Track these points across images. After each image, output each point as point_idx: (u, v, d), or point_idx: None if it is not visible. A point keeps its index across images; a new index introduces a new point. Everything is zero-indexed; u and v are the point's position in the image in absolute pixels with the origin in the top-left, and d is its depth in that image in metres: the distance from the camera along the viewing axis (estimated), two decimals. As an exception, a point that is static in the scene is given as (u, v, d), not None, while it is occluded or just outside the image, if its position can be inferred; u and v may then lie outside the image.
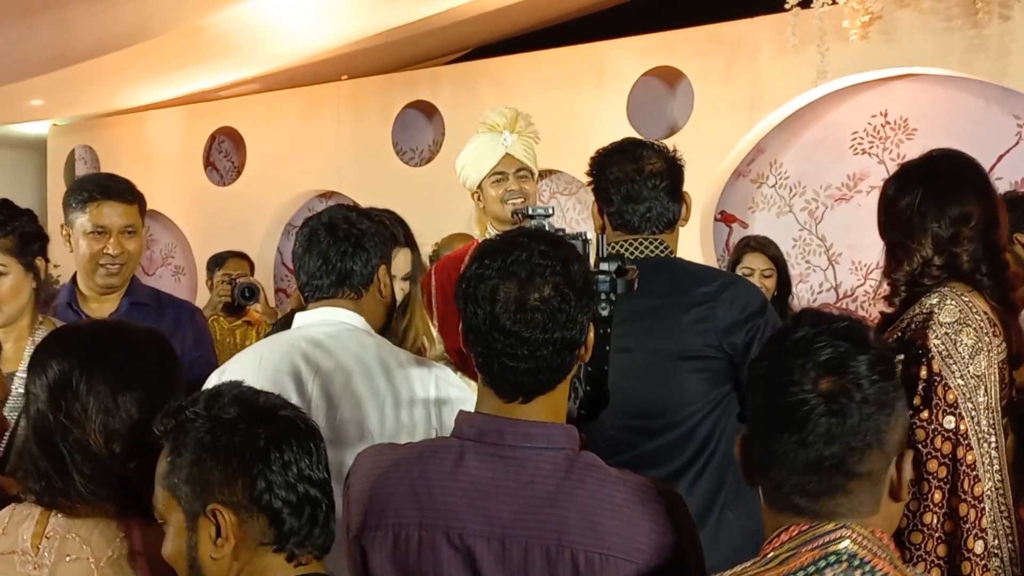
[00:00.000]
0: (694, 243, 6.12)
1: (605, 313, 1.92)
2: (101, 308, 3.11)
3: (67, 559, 1.71)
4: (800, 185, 6.49)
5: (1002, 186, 5.80)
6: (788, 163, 6.55)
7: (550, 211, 2.06)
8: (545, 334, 1.61)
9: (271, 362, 2.32)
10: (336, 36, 7.03)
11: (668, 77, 6.80)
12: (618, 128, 6.50)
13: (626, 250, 2.52)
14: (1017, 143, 5.79)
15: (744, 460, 1.47)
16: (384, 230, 2.47)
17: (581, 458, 1.66)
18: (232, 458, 1.53)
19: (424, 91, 7.57)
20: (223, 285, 5.53)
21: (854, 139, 6.29)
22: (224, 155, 9.26)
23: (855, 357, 1.33)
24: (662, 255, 2.57)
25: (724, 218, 6.73)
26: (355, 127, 7.89)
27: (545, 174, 7.17)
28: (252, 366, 2.31)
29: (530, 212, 2.06)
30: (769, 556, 1.38)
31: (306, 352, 2.30)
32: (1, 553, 1.74)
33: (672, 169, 2.61)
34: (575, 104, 6.75)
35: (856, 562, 1.33)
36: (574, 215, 7.62)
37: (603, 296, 1.92)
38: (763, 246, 4.81)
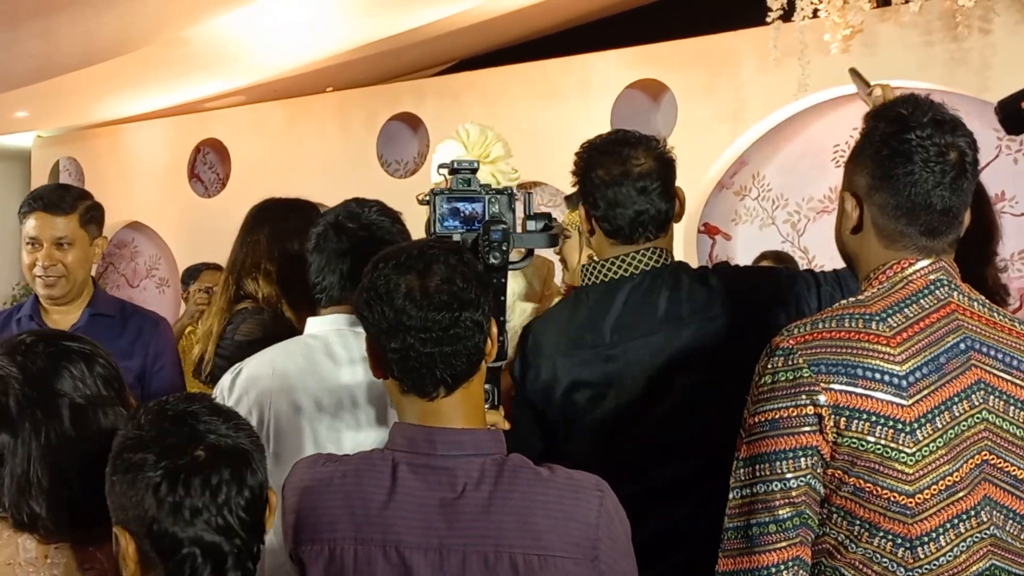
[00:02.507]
0: (677, 255, 6.13)
1: (496, 262, 1.93)
2: (63, 319, 3.09)
3: (84, 567, 1.68)
4: (783, 198, 6.54)
5: (982, 198, 5.86)
6: (771, 176, 6.59)
7: (475, 164, 2.07)
8: (453, 312, 1.63)
9: (284, 370, 2.27)
10: (321, 48, 7.04)
11: (651, 90, 6.84)
12: (602, 140, 6.54)
13: (622, 266, 2.37)
14: (997, 156, 5.85)
15: (858, 211, 1.82)
16: (402, 226, 2.37)
17: (509, 461, 1.68)
18: (130, 484, 1.45)
19: (409, 103, 7.59)
20: (199, 294, 5.55)
21: (836, 152, 6.33)
22: (209, 167, 9.26)
23: (966, 133, 1.79)
24: (658, 265, 2.40)
25: (707, 230, 6.76)
26: (340, 139, 7.90)
27: (529, 186, 7.19)
28: (266, 374, 2.27)
29: (455, 166, 2.05)
30: (886, 284, 1.76)
31: (319, 361, 2.27)
32: None
33: (663, 167, 2.40)
34: (559, 116, 6.78)
35: (950, 284, 1.75)
36: (556, 226, 7.64)
37: (495, 244, 1.92)
38: (776, 254, 5.13)
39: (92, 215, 3.10)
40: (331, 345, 2.27)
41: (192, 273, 5.98)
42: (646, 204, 2.35)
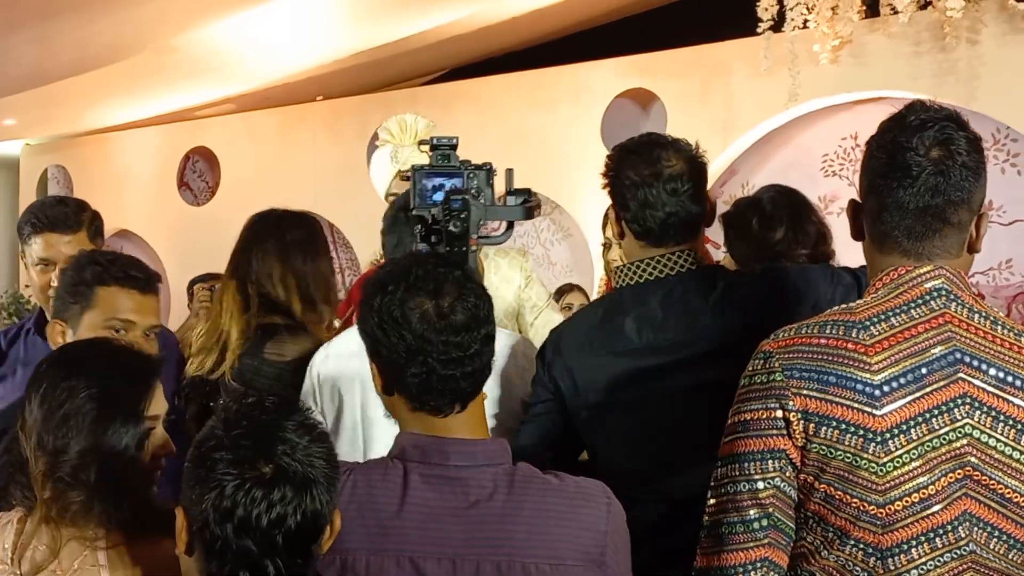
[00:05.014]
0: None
1: (457, 231, 2.00)
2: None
3: (40, 572, 1.72)
4: (772, 206, 6.55)
5: (971, 208, 5.89)
6: (760, 185, 6.60)
7: (455, 140, 2.14)
8: (471, 332, 1.66)
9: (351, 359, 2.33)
10: (312, 56, 7.04)
11: (642, 99, 6.86)
12: (592, 149, 6.56)
13: (655, 269, 2.32)
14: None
15: (854, 220, 1.83)
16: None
17: (519, 471, 1.70)
18: (199, 479, 1.48)
19: (400, 112, 7.54)
20: (203, 291, 5.54)
21: (825, 161, 6.35)
22: (198, 175, 9.25)
23: (957, 133, 1.71)
24: (692, 267, 2.33)
25: (697, 239, 6.79)
26: (331, 147, 7.90)
27: (520, 195, 7.20)
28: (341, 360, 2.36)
29: (435, 142, 2.12)
30: (881, 292, 1.73)
31: None
32: None
33: (694, 169, 2.34)
34: (550, 125, 6.79)
35: (948, 295, 1.70)
36: (548, 235, 7.65)
37: (454, 212, 1.99)
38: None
39: (96, 226, 3.07)
40: None
41: (199, 281, 5.99)
42: (676, 206, 2.30)
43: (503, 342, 2.29)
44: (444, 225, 2.03)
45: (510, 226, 2.19)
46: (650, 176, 2.29)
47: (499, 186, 2.26)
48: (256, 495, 1.45)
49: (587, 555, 1.64)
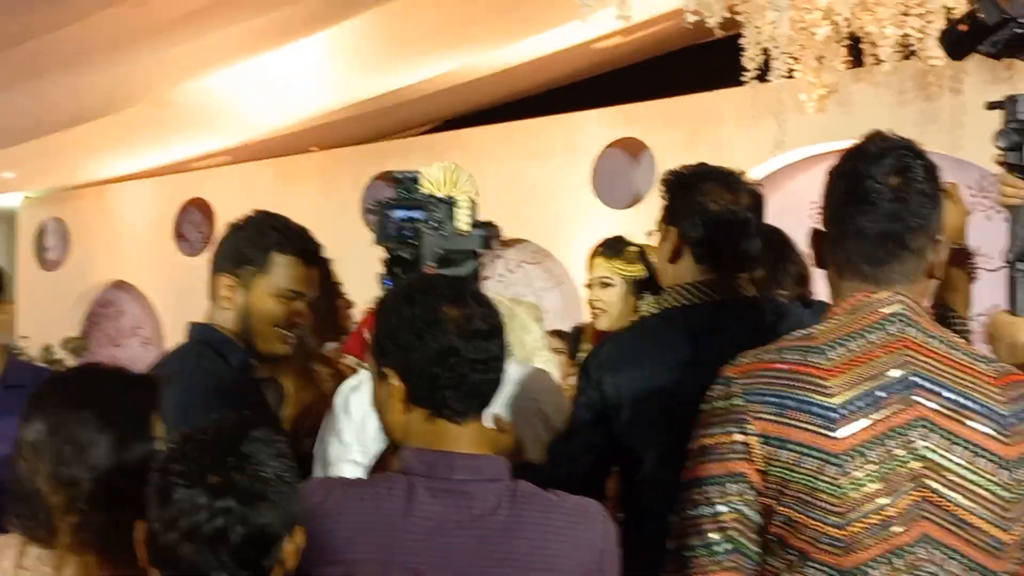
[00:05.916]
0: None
1: (409, 258, 2.13)
2: None
3: None
4: (763, 253, 6.62)
5: (957, 253, 5.96)
6: (751, 232, 6.69)
7: (415, 175, 2.28)
8: (495, 339, 1.73)
9: None
10: (308, 108, 7.12)
11: (632, 148, 6.95)
12: (583, 198, 6.63)
13: (704, 293, 2.33)
14: (970, 213, 5.95)
15: (817, 248, 1.86)
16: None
17: (520, 487, 1.73)
18: (155, 489, 1.52)
19: (394, 162, 7.64)
20: None
21: (813, 208, 6.42)
22: (194, 226, 9.31)
23: (915, 161, 1.76)
24: (750, 294, 2.36)
25: (689, 286, 6.83)
26: (325, 198, 7.96)
27: (512, 243, 7.26)
28: None
29: (396, 175, 2.25)
30: (841, 317, 1.76)
31: None
32: None
33: (759, 204, 2.41)
34: (542, 174, 6.87)
35: (906, 320, 1.73)
36: (540, 283, 7.70)
37: (406, 239, 2.12)
38: None
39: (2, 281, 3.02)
40: None
41: None
42: (746, 236, 2.36)
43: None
44: (397, 252, 2.14)
45: (473, 255, 2.26)
46: (730, 202, 2.34)
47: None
48: (199, 503, 1.48)
49: (584, 569, 1.69)
